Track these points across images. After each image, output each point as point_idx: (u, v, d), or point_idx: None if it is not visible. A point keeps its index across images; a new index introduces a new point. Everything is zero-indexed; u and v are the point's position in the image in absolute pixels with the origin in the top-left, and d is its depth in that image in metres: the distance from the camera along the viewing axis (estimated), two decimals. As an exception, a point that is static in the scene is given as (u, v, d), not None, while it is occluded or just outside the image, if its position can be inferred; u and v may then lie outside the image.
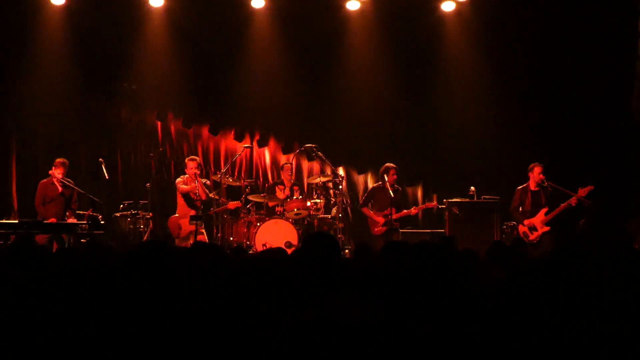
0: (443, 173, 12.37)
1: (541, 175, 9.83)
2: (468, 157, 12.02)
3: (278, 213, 10.48)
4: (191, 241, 9.64)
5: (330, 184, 10.78)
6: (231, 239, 10.33)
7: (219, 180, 10.38)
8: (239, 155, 11.12)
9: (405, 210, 10.56)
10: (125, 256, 3.48)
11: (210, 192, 10.30)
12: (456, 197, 11.02)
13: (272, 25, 12.19)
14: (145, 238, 10.36)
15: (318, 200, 10.53)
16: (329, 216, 10.62)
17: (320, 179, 10.66)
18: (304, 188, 11.47)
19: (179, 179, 10.46)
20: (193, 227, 9.89)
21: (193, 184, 10.26)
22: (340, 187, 10.57)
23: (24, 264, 4.12)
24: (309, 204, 10.40)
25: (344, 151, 12.49)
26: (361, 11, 12.18)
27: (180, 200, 10.35)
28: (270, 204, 10.67)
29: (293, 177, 11.31)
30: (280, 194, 10.86)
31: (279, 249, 5.21)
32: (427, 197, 12.57)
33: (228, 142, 12.63)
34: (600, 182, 10.10)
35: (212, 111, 12.52)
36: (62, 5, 11.55)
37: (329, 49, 12.32)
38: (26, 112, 11.86)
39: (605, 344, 2.65)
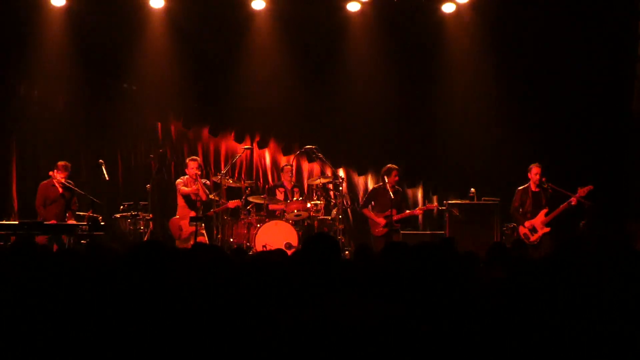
0: (443, 174, 12.38)
1: (537, 176, 9.85)
2: (468, 158, 12.03)
3: (278, 214, 10.49)
4: (192, 242, 9.64)
5: (331, 186, 10.77)
6: (231, 240, 10.33)
7: (219, 182, 10.38)
8: (239, 157, 11.12)
9: (408, 211, 10.58)
10: (123, 256, 3.49)
11: (211, 193, 10.31)
12: (456, 199, 11.03)
13: (272, 26, 12.19)
14: (145, 239, 10.36)
15: (318, 202, 10.53)
16: (329, 217, 10.62)
17: (320, 181, 10.66)
18: (304, 189, 11.47)
19: (179, 180, 10.46)
20: (194, 229, 9.90)
21: (193, 186, 10.27)
22: (341, 188, 10.57)
23: (24, 264, 4.12)
24: (309, 205, 10.40)
25: (344, 152, 12.50)
26: (361, 12, 12.18)
27: (180, 202, 10.36)
28: (271, 207, 10.67)
29: (293, 178, 11.31)
30: (280, 196, 10.86)
31: (279, 250, 5.21)
32: (427, 198, 12.58)
33: (228, 144, 12.64)
34: (600, 183, 10.12)
35: (213, 112, 12.53)
36: (63, 6, 11.54)
37: (329, 50, 12.33)
38: (26, 113, 11.86)
39: (605, 344, 2.65)
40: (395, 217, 10.14)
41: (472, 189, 10.80)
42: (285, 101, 12.30)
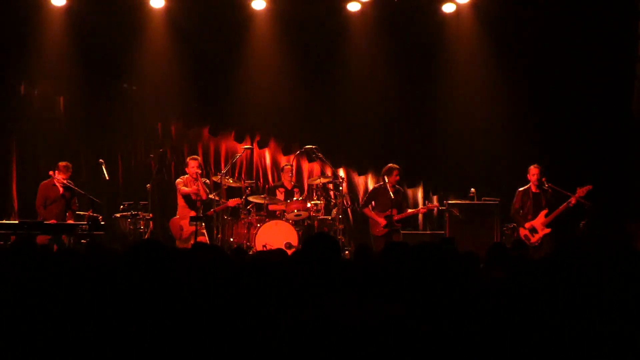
0: (443, 174, 12.38)
1: (535, 176, 9.85)
2: (468, 158, 12.02)
3: (278, 214, 10.49)
4: (192, 242, 9.64)
5: (331, 185, 10.77)
6: (231, 240, 10.33)
7: (219, 181, 10.38)
8: (239, 157, 11.11)
9: (410, 210, 10.58)
10: (121, 256, 3.49)
11: (211, 193, 10.31)
12: (456, 199, 11.03)
13: (272, 26, 12.19)
14: (145, 239, 10.35)
15: (318, 202, 10.53)
16: (329, 217, 10.61)
17: (320, 180, 10.66)
18: (304, 189, 11.47)
19: (178, 180, 10.46)
20: (194, 228, 9.90)
21: (193, 186, 10.27)
22: (341, 188, 10.57)
23: (24, 264, 4.12)
24: (309, 205, 10.40)
25: (344, 152, 12.50)
26: (361, 12, 12.18)
27: (180, 202, 10.36)
28: (272, 207, 10.67)
29: (293, 178, 11.31)
30: (281, 196, 10.86)
31: (279, 250, 5.21)
32: (427, 198, 12.58)
33: (228, 143, 12.63)
34: (600, 183, 10.11)
35: (213, 112, 12.52)
36: (63, 6, 11.54)
37: (330, 50, 12.32)
38: (26, 113, 11.86)
39: (605, 344, 2.65)
40: (396, 217, 10.13)
41: (472, 189, 10.80)
42: (286, 101, 12.30)
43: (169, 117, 12.37)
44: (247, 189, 10.47)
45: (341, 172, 11.95)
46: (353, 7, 12.13)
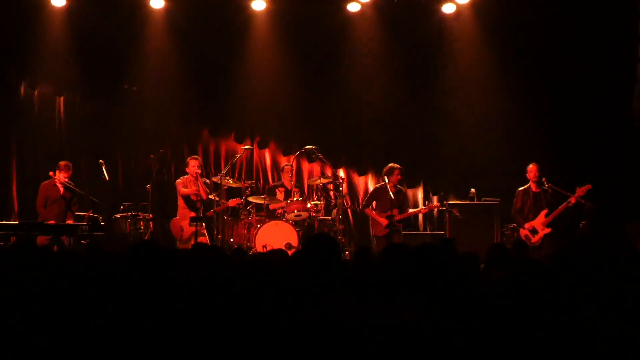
0: (443, 175, 12.38)
1: (532, 174, 9.85)
2: (469, 159, 12.03)
3: (278, 215, 10.49)
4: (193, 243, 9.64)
5: (331, 186, 10.77)
6: (231, 240, 10.33)
7: (219, 182, 10.38)
8: (239, 157, 11.11)
9: (412, 210, 10.58)
10: (118, 257, 3.49)
11: (211, 193, 10.31)
12: (457, 199, 11.02)
13: (272, 27, 12.20)
14: (145, 239, 10.35)
15: (318, 202, 10.53)
16: (329, 218, 10.61)
17: (320, 181, 10.66)
18: (304, 190, 11.47)
19: (178, 181, 10.46)
20: (195, 229, 9.91)
21: (193, 186, 10.27)
22: (341, 188, 10.57)
23: (23, 264, 4.11)
24: (309, 205, 10.40)
25: (344, 153, 12.51)
26: (361, 13, 12.18)
27: (180, 203, 10.36)
28: (272, 206, 10.67)
29: (293, 178, 11.31)
30: (280, 196, 10.86)
31: (280, 250, 5.21)
32: (427, 199, 12.58)
33: (228, 144, 12.63)
34: (600, 184, 10.11)
35: (213, 112, 12.52)
36: (63, 6, 11.55)
37: (329, 51, 12.33)
38: (26, 113, 11.87)
39: (605, 344, 2.65)
40: (397, 217, 10.12)
41: (473, 190, 10.81)
42: (286, 101, 12.31)
43: (169, 117, 12.36)
44: (247, 189, 10.47)
45: (341, 173, 11.96)
46: (353, 7, 12.13)
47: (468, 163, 11.97)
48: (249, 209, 10.47)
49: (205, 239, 10.25)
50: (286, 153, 12.59)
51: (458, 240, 7.78)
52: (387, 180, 10.16)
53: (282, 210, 10.48)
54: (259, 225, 10.17)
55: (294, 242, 9.96)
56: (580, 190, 9.59)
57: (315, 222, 10.50)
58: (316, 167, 12.36)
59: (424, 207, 11.34)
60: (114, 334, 2.87)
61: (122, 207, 10.80)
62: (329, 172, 10.90)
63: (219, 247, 6.55)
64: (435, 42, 12.31)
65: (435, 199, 12.38)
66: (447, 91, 12.27)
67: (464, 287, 3.07)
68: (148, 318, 2.93)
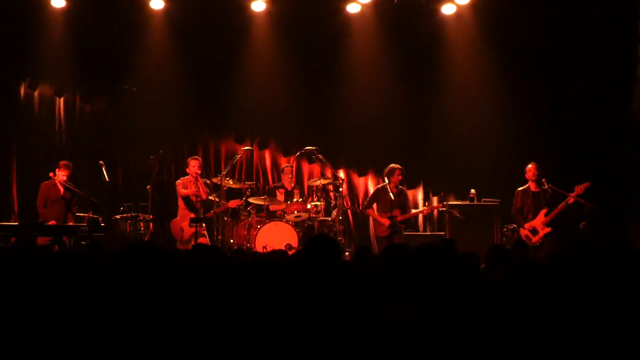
0: (443, 176, 12.38)
1: (530, 173, 9.84)
2: (469, 159, 12.02)
3: (278, 215, 10.49)
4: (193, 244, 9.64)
5: (331, 187, 10.77)
6: (231, 241, 10.32)
7: (219, 183, 10.37)
8: (239, 157, 11.10)
9: (414, 211, 10.58)
10: (115, 258, 3.49)
11: (211, 194, 10.31)
12: (457, 200, 11.02)
13: (272, 28, 12.20)
14: (145, 240, 10.35)
15: (318, 203, 10.53)
16: (329, 218, 10.61)
17: (320, 182, 10.65)
18: (304, 190, 11.47)
19: (178, 181, 10.46)
20: (195, 230, 9.91)
21: (193, 187, 10.28)
22: (341, 189, 10.56)
23: (23, 265, 4.11)
24: (309, 206, 10.40)
25: (344, 154, 12.51)
26: (361, 14, 12.18)
27: (181, 204, 10.37)
28: (271, 208, 10.66)
29: (293, 179, 11.31)
30: (281, 197, 10.86)
31: (281, 251, 5.22)
32: (427, 199, 12.58)
33: (228, 145, 12.63)
34: (601, 184, 10.10)
35: (213, 113, 12.52)
36: (63, 7, 11.55)
37: (329, 51, 12.33)
38: (26, 113, 11.87)
39: (606, 345, 2.65)
40: (400, 218, 10.11)
41: (473, 190, 10.81)
42: (286, 102, 12.30)
43: (169, 117, 12.35)
44: (247, 190, 10.46)
45: (341, 174, 11.94)
46: (353, 8, 12.13)
47: (468, 163, 11.96)
48: (249, 210, 10.47)
49: (205, 239, 10.25)
50: (286, 154, 12.58)
51: (458, 240, 7.75)
52: (387, 180, 10.16)
53: (282, 212, 10.48)
54: (259, 226, 10.17)
55: (294, 243, 9.96)
56: (579, 189, 9.58)
57: (316, 223, 10.50)
58: (316, 167, 12.34)
59: (426, 208, 11.34)
60: (114, 334, 2.86)
61: (122, 207, 10.81)
62: (329, 173, 10.89)
63: (219, 248, 6.55)
64: (435, 43, 12.30)
65: (435, 199, 12.38)
66: (447, 91, 12.27)
67: (464, 288, 3.08)
68: (148, 318, 2.93)
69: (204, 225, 10.29)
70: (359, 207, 12.52)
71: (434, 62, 12.33)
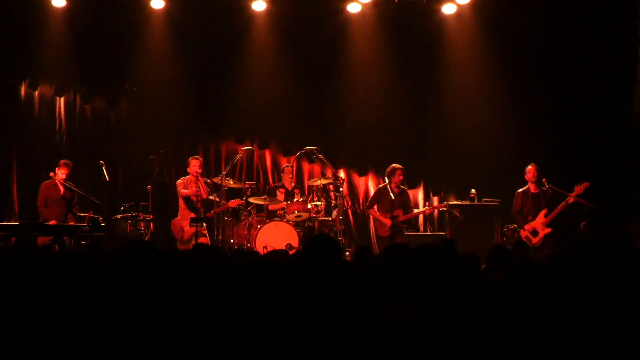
0: (444, 176, 12.37)
1: (530, 174, 9.84)
2: (469, 159, 12.02)
3: (279, 215, 10.48)
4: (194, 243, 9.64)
5: (331, 187, 10.76)
6: (232, 241, 10.32)
7: (219, 183, 10.37)
8: (240, 157, 11.10)
9: (416, 210, 10.57)
10: (113, 258, 3.49)
11: (211, 194, 10.32)
12: (457, 200, 11.01)
13: (272, 28, 12.20)
14: (146, 240, 10.35)
15: (319, 203, 10.52)
16: (330, 218, 10.60)
17: (320, 182, 10.65)
18: (304, 190, 11.47)
19: (179, 181, 10.47)
20: (195, 230, 9.91)
21: (193, 187, 10.28)
22: (341, 189, 10.56)
23: (24, 265, 4.12)
24: (309, 206, 10.39)
25: (344, 154, 12.50)
26: (362, 14, 12.18)
27: (181, 203, 10.38)
28: (272, 207, 10.66)
29: (294, 179, 11.31)
30: (281, 197, 10.86)
31: (282, 251, 5.22)
32: (427, 199, 12.57)
33: (229, 145, 12.62)
34: (601, 184, 10.10)
35: (213, 113, 12.51)
36: (63, 7, 11.55)
37: (330, 51, 12.32)
38: (27, 113, 11.86)
39: (606, 345, 2.65)
40: (402, 218, 10.11)
41: (473, 190, 10.81)
42: (286, 102, 12.30)
43: (169, 117, 12.35)
44: (248, 190, 10.46)
45: (341, 173, 11.94)
46: (353, 8, 12.12)
47: (468, 163, 11.96)
48: (249, 210, 10.47)
49: (206, 239, 10.25)
50: (286, 154, 12.58)
51: (458, 240, 7.76)
52: (387, 180, 10.15)
53: (282, 212, 10.48)
54: (259, 226, 10.16)
55: (295, 242, 9.95)
56: (579, 189, 9.57)
57: (316, 223, 10.49)
58: (316, 167, 12.33)
59: (428, 208, 11.35)
60: (114, 334, 2.86)
61: (122, 207, 10.80)
62: (329, 173, 10.89)
63: (220, 248, 6.55)
64: (435, 43, 12.30)
65: (435, 199, 12.38)
66: (447, 91, 12.26)
67: (464, 288, 3.08)
68: (148, 318, 2.93)
69: (204, 225, 10.28)
70: (359, 207, 12.52)
71: (434, 62, 12.33)
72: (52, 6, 11.51)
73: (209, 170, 12.15)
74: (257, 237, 10.03)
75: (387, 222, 10.01)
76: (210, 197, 10.33)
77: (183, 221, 10.25)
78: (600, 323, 2.72)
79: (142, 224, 10.46)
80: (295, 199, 10.62)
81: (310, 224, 10.49)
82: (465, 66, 12.21)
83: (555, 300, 2.87)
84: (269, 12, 12.06)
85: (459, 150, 12.14)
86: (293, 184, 11.10)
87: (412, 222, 11.63)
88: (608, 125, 11.61)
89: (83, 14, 11.57)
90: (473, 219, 10.51)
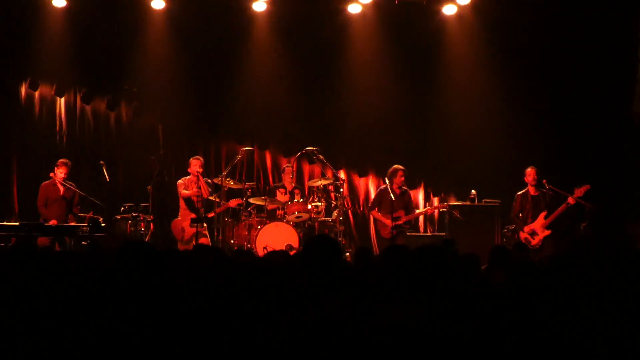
0: (444, 176, 12.37)
1: (530, 177, 9.83)
2: (469, 160, 12.01)
3: (279, 216, 10.48)
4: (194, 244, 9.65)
5: (332, 187, 10.76)
6: (232, 241, 10.32)
7: (220, 183, 10.37)
8: (240, 158, 11.09)
9: (419, 211, 10.58)
10: (111, 259, 3.49)
11: (212, 194, 10.32)
12: (457, 201, 11.01)
13: (273, 28, 12.20)
14: (146, 240, 10.35)
15: (319, 203, 10.52)
16: (330, 219, 10.60)
17: (321, 182, 10.65)
18: (304, 191, 11.46)
19: (179, 182, 10.47)
20: (196, 230, 9.92)
21: (194, 187, 10.28)
22: (341, 190, 10.56)
23: (24, 265, 4.12)
24: (309, 207, 10.39)
25: (345, 154, 12.49)
26: (362, 14, 12.18)
27: (182, 204, 10.38)
28: (270, 207, 10.65)
29: (294, 180, 11.31)
30: (281, 197, 10.85)
31: (282, 251, 5.22)
32: (427, 200, 12.57)
33: (229, 145, 12.61)
34: (600, 185, 10.10)
35: (213, 114, 12.50)
36: (64, 7, 11.55)
37: (330, 52, 12.32)
38: (27, 114, 11.86)
39: (606, 345, 2.65)
40: (405, 219, 10.12)
41: (473, 191, 10.81)
42: (286, 102, 12.29)
43: (169, 118, 12.35)
44: (248, 190, 10.46)
45: (342, 174, 11.93)
46: (354, 9, 12.12)
47: (468, 164, 11.96)
48: (249, 211, 10.47)
49: (206, 240, 10.25)
50: (287, 154, 12.56)
51: (458, 241, 7.78)
52: (388, 181, 10.15)
53: (282, 212, 10.47)
54: (259, 227, 10.16)
55: (295, 243, 9.95)
56: (579, 191, 9.57)
57: (316, 224, 10.49)
58: (317, 168, 12.33)
59: (429, 208, 11.35)
60: (114, 334, 2.86)
61: (122, 208, 10.80)
62: (329, 174, 10.89)
63: (220, 248, 6.56)
64: (435, 43, 12.30)
65: (435, 200, 12.38)
66: (447, 92, 12.26)
67: (464, 288, 3.08)
68: (148, 318, 2.93)
69: (205, 225, 10.28)
70: (359, 207, 12.51)
71: (434, 63, 12.33)
72: (52, 6, 11.51)
73: (209, 171, 12.13)
74: (258, 237, 10.03)
75: (389, 223, 10.00)
76: (211, 198, 10.33)
77: (184, 221, 10.25)
78: (600, 323, 2.72)
79: (142, 224, 10.46)
80: (295, 200, 10.62)
81: (310, 225, 10.49)
82: (466, 67, 12.21)
83: (555, 301, 2.87)
84: (269, 12, 12.05)
85: (459, 151, 12.14)
86: (293, 185, 11.10)
87: (413, 223, 11.62)
88: (608, 126, 11.61)
89: (83, 14, 11.57)
90: (473, 220, 10.51)
